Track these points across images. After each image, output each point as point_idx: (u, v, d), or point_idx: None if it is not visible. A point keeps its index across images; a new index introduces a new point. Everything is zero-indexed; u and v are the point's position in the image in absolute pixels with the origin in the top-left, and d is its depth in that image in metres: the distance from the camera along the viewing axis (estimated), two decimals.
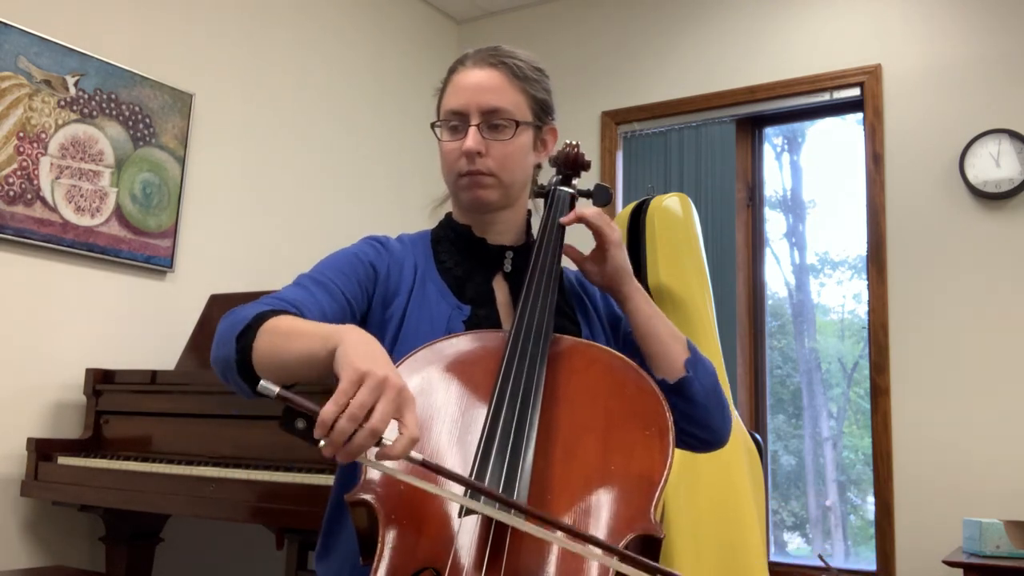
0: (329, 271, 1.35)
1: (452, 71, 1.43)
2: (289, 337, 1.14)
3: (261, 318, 1.18)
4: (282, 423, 0.98)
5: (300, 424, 0.97)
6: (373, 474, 1.11)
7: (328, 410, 0.95)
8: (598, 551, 1.00)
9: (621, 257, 1.37)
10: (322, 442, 0.96)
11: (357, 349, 1.02)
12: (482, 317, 1.37)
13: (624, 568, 0.98)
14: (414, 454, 0.98)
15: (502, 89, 1.37)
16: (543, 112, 1.43)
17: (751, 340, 3.95)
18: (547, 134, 1.46)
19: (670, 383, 1.34)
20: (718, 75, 4.02)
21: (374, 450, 0.98)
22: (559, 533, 1.01)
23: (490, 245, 1.44)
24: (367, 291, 1.37)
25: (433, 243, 1.48)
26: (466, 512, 1.05)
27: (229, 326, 1.21)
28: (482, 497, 1.02)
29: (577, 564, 1.03)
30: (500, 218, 1.44)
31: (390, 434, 0.97)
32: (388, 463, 1.00)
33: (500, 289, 1.43)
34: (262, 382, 0.97)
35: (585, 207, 1.40)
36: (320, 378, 1.11)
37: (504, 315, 1.40)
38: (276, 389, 0.97)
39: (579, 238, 1.43)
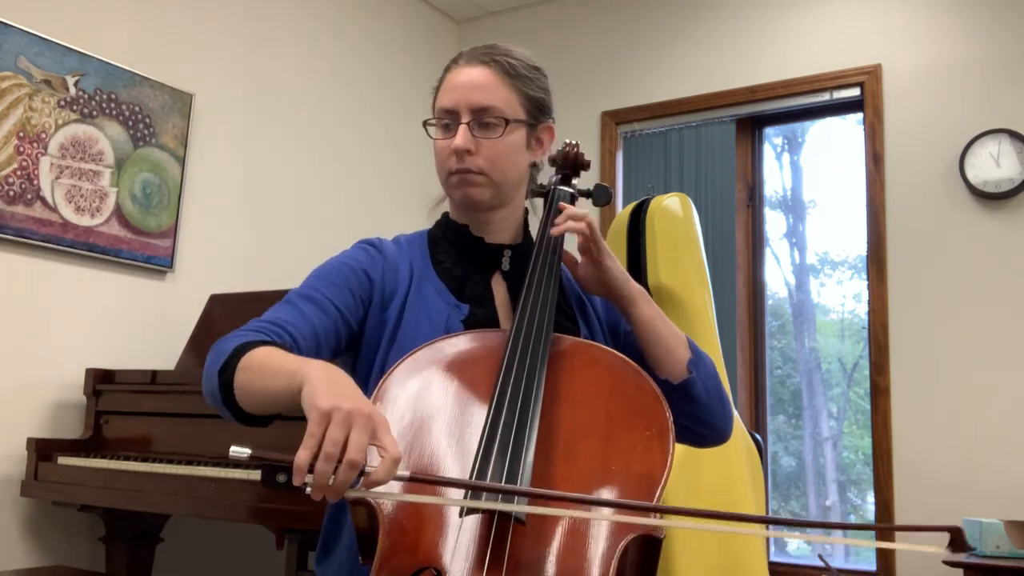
0: (319, 284, 1.34)
1: (447, 70, 1.43)
2: (261, 374, 1.14)
3: (239, 353, 1.18)
4: (264, 481, 0.98)
5: (281, 478, 0.97)
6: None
7: (301, 456, 0.95)
8: (606, 511, 1.00)
9: (613, 267, 1.35)
10: (308, 488, 0.96)
11: (318, 387, 1.01)
12: (480, 316, 1.37)
13: (631, 519, 0.98)
14: (400, 472, 0.98)
15: (493, 87, 1.37)
16: (538, 111, 1.42)
17: (751, 340, 3.95)
18: (542, 133, 1.45)
19: (673, 384, 1.34)
20: (718, 75, 4.01)
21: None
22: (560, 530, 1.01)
23: (488, 244, 1.44)
24: (361, 299, 1.36)
25: (430, 243, 1.47)
26: (467, 511, 1.05)
27: (214, 360, 1.22)
28: (484, 494, 1.02)
29: (578, 563, 1.03)
30: (496, 217, 1.43)
31: (371, 460, 0.97)
32: (381, 488, 0.99)
33: (498, 288, 1.43)
34: (233, 448, 0.98)
35: (576, 211, 1.36)
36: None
37: (503, 314, 1.40)
38: (247, 452, 0.97)
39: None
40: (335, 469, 0.95)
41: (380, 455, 0.97)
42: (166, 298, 3.26)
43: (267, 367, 1.14)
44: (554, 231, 1.35)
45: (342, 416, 0.96)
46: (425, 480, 1.02)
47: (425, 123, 1.42)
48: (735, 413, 2.83)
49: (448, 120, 1.38)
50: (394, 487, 1.03)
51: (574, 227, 1.32)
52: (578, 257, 1.39)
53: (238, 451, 0.97)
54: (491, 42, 1.44)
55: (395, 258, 1.42)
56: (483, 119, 1.36)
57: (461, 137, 1.35)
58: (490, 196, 1.39)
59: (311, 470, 0.95)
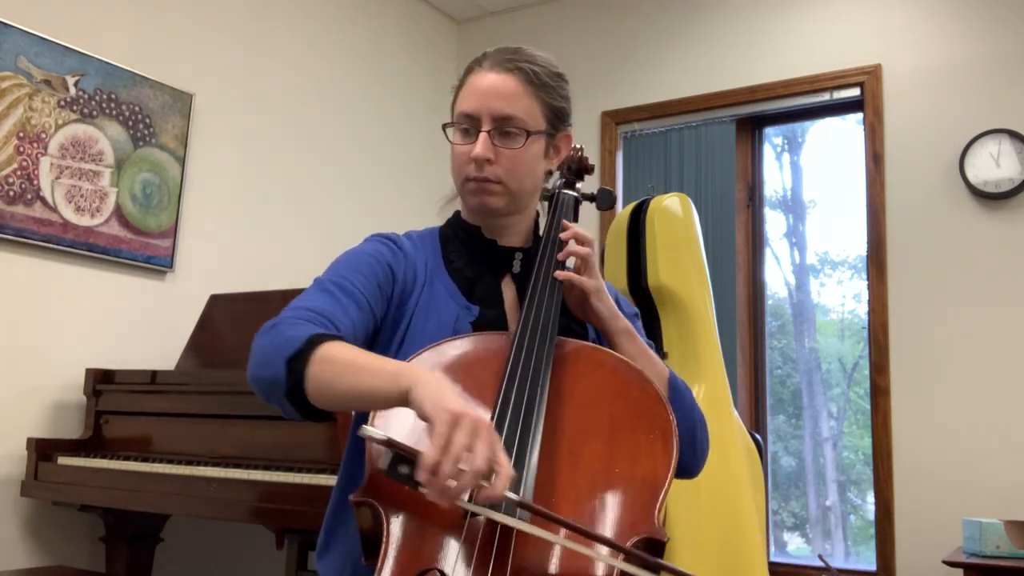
0: (351, 275, 1.31)
1: (469, 71, 1.40)
2: (351, 370, 1.11)
3: (313, 342, 1.14)
4: (387, 466, 0.99)
5: (404, 469, 0.98)
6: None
7: (430, 454, 0.96)
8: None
9: (598, 306, 1.35)
10: (422, 487, 0.97)
11: (443, 391, 1.02)
12: (490, 318, 1.36)
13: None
14: (510, 494, 0.99)
15: (516, 96, 1.34)
16: (557, 120, 1.40)
17: (751, 340, 3.95)
18: (560, 141, 1.43)
19: None
20: (718, 75, 4.01)
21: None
22: (563, 533, 1.01)
23: (500, 246, 1.43)
24: (386, 293, 1.34)
25: (442, 241, 1.46)
26: (472, 513, 1.05)
27: (277, 346, 1.16)
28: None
29: (582, 564, 1.03)
30: (509, 222, 1.43)
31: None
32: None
33: (508, 291, 1.42)
34: (368, 427, 0.99)
35: (579, 244, 1.37)
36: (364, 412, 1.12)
37: (511, 317, 1.39)
38: (383, 435, 0.98)
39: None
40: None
41: (495, 470, 0.98)
42: (166, 298, 3.25)
43: (358, 364, 1.11)
44: (561, 256, 1.37)
45: (471, 424, 0.97)
46: (534, 510, 1.01)
47: (445, 126, 1.40)
48: (735, 414, 2.84)
49: (468, 125, 1.36)
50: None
51: (579, 251, 1.35)
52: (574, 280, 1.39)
53: (374, 431, 0.98)
54: (516, 46, 1.41)
55: (412, 255, 1.41)
56: (504, 128, 1.34)
57: (481, 146, 1.33)
58: (505, 204, 1.38)
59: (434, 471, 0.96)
